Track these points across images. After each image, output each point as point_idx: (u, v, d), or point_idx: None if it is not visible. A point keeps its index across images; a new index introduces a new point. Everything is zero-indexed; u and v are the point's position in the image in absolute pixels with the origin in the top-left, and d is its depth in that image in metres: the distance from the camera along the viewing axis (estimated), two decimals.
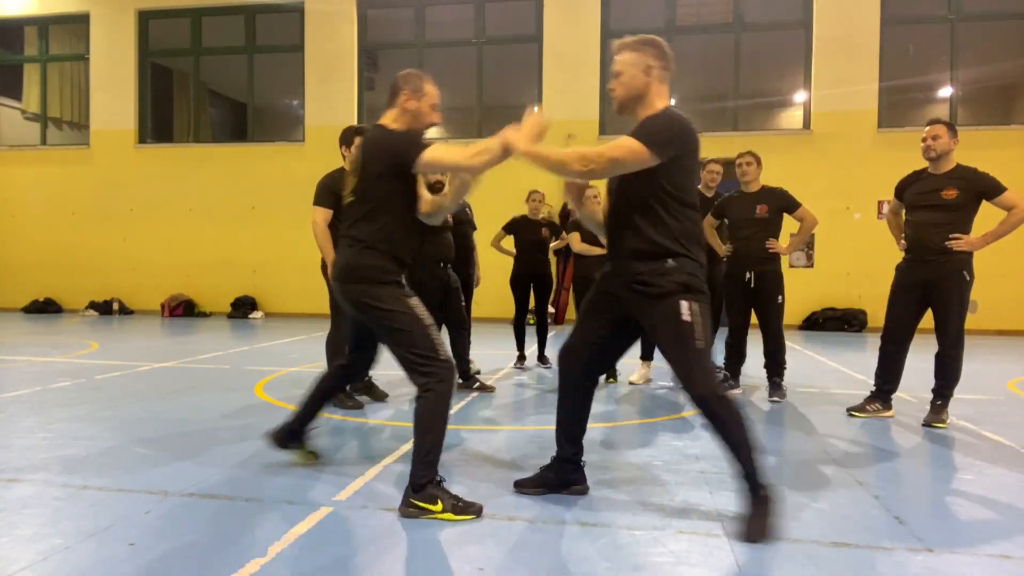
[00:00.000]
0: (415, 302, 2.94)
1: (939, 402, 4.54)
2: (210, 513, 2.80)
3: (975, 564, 2.42)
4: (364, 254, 2.95)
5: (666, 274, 2.66)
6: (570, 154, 2.65)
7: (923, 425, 4.47)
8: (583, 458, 3.08)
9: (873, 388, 4.83)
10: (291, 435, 3.39)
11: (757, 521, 2.61)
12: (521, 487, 3.06)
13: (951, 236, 4.36)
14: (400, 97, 3.02)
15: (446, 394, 2.82)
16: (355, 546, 2.52)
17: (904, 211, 4.71)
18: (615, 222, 2.82)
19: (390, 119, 3.04)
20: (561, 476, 3.04)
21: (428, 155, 2.84)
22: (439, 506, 2.72)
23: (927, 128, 4.49)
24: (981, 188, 4.37)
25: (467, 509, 2.75)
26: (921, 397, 5.04)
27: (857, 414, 4.75)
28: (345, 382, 3.31)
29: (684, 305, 2.64)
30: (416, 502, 2.74)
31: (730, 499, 3.03)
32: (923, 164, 4.61)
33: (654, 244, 2.68)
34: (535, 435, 4.13)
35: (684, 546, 2.55)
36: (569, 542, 2.57)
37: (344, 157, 4.88)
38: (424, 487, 2.75)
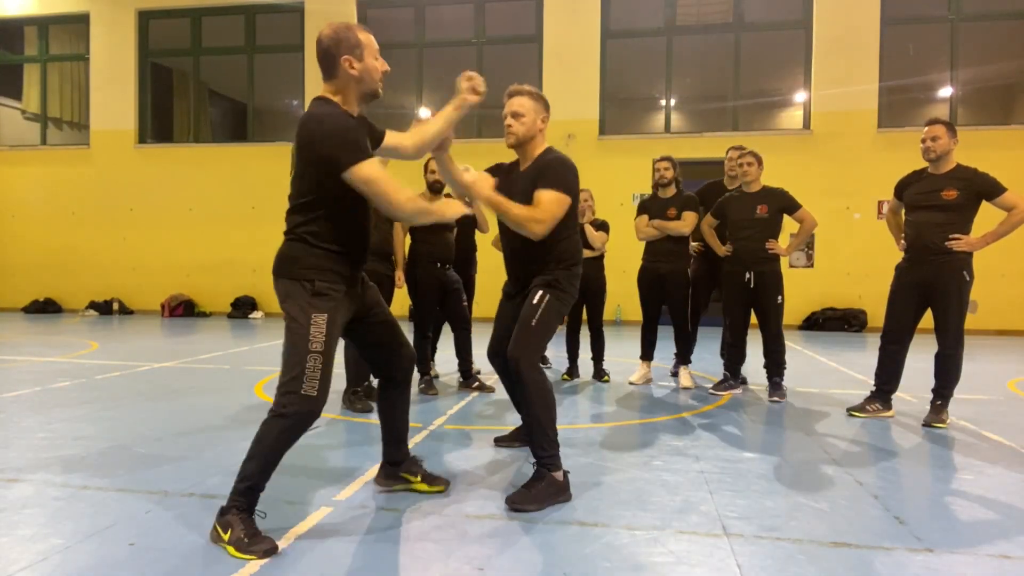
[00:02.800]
0: (321, 319, 2.54)
1: (939, 402, 4.54)
2: (210, 513, 2.79)
3: (975, 564, 2.42)
4: (294, 246, 2.66)
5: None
6: (525, 216, 3.06)
7: (923, 425, 4.47)
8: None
9: (873, 388, 4.83)
10: (394, 468, 3.09)
11: (533, 484, 2.94)
12: (499, 442, 3.77)
13: (951, 236, 4.36)
14: (341, 64, 2.58)
15: (285, 429, 2.50)
16: (355, 546, 2.52)
17: (904, 211, 4.71)
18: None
19: (331, 91, 2.64)
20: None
21: (362, 172, 2.47)
22: (226, 536, 2.43)
23: (926, 129, 4.48)
24: (981, 189, 4.37)
25: (251, 546, 2.40)
26: (921, 397, 5.04)
27: (857, 414, 4.75)
28: (401, 390, 3.00)
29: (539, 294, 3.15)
30: (214, 531, 2.49)
31: (730, 499, 3.03)
32: (923, 164, 4.61)
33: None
34: None
35: (684, 546, 2.55)
36: (569, 542, 2.57)
37: None
38: (224, 514, 2.49)
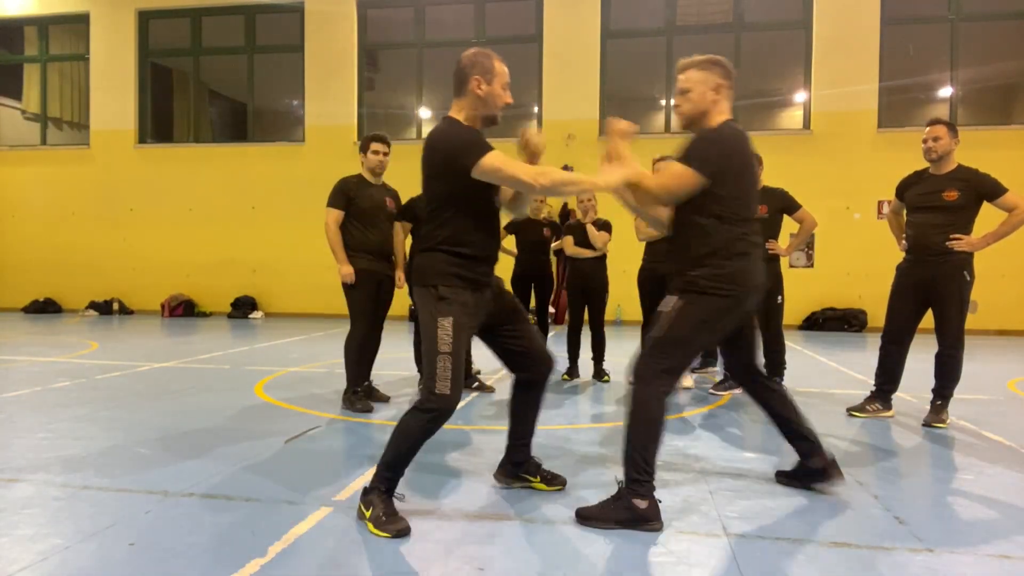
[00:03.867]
0: (446, 322, 2.65)
1: (939, 402, 4.54)
2: (210, 513, 2.80)
3: (975, 564, 2.42)
4: (421, 257, 2.79)
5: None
6: (650, 184, 2.78)
7: (923, 425, 4.47)
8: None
9: (873, 388, 4.83)
10: (514, 468, 3.14)
11: (601, 505, 2.75)
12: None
13: (952, 237, 4.36)
14: (470, 83, 2.75)
15: (424, 422, 2.65)
16: (355, 546, 2.52)
17: (905, 211, 4.71)
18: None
19: (456, 110, 2.81)
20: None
21: (488, 161, 2.61)
22: (368, 513, 2.65)
23: (927, 129, 4.47)
24: (982, 189, 4.36)
25: (387, 524, 2.60)
26: (921, 397, 5.04)
27: (857, 414, 4.75)
28: (538, 392, 3.04)
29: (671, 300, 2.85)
30: (360, 503, 2.73)
31: (730, 499, 3.03)
32: (924, 164, 4.61)
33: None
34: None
35: (684, 546, 2.54)
36: (569, 542, 2.57)
37: (362, 163, 4.93)
38: (367, 494, 2.71)
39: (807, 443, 3.13)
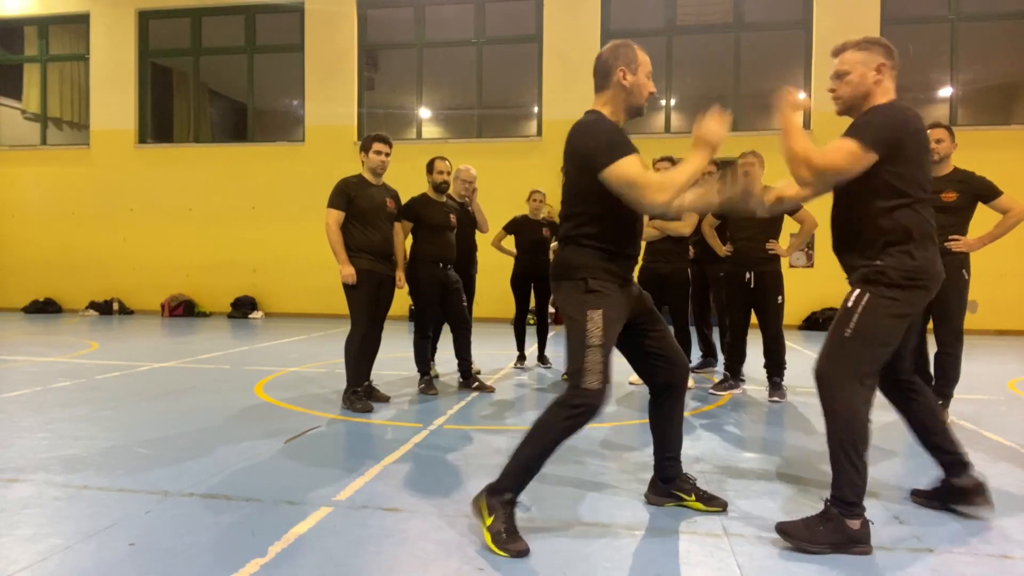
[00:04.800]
0: (596, 315, 2.55)
1: (940, 401, 4.54)
2: (210, 513, 2.80)
3: (975, 564, 2.42)
4: (567, 250, 2.71)
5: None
6: (799, 152, 2.61)
7: None
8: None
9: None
10: (665, 485, 2.97)
11: (806, 523, 2.54)
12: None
13: (951, 237, 4.42)
14: (615, 74, 2.70)
15: (569, 418, 2.51)
16: (355, 546, 2.52)
17: None
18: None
19: (601, 103, 2.76)
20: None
21: (618, 172, 2.49)
22: (488, 521, 2.52)
23: (928, 132, 4.50)
24: (979, 191, 4.46)
25: (507, 544, 2.46)
26: None
27: None
28: (677, 398, 2.87)
29: (855, 294, 2.64)
30: (480, 504, 2.58)
31: (730, 499, 3.03)
32: None
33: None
34: None
35: (684, 546, 2.54)
36: (569, 542, 2.57)
37: (363, 163, 4.93)
38: (494, 494, 2.55)
39: (950, 456, 2.88)
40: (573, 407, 2.51)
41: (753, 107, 12.60)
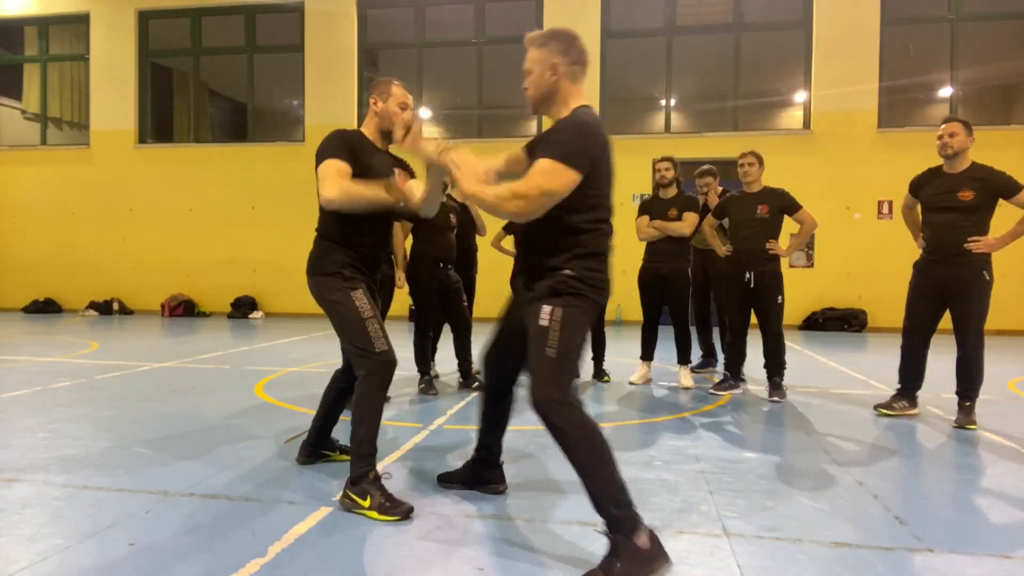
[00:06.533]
0: (357, 294, 2.94)
1: (967, 403, 4.50)
2: (210, 513, 2.80)
3: (975, 564, 2.42)
4: (317, 247, 3.06)
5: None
6: (503, 193, 2.36)
7: (955, 427, 4.43)
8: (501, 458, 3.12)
9: (899, 387, 4.82)
10: (312, 449, 3.50)
11: (609, 565, 2.22)
12: (441, 481, 3.17)
13: (970, 239, 4.35)
14: (369, 101, 3.14)
15: (375, 387, 2.89)
16: (355, 546, 2.52)
17: (920, 209, 4.69)
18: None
19: (364, 124, 3.18)
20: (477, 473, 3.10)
21: (322, 168, 2.91)
22: (367, 502, 2.75)
23: (943, 126, 4.45)
24: (998, 188, 4.35)
25: (393, 509, 2.73)
26: (924, 397, 5.04)
27: (885, 411, 4.76)
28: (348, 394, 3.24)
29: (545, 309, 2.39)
30: (350, 494, 2.82)
31: (730, 499, 3.03)
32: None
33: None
34: (534, 435, 4.12)
35: (684, 546, 2.54)
36: (569, 542, 2.57)
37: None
38: (358, 480, 2.81)
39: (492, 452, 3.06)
40: (372, 373, 2.89)
41: (753, 107, 12.61)
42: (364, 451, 2.86)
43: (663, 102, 12.24)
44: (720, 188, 6.40)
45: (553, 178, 2.31)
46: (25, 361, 6.94)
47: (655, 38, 11.94)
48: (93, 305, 13.12)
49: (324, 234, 3.08)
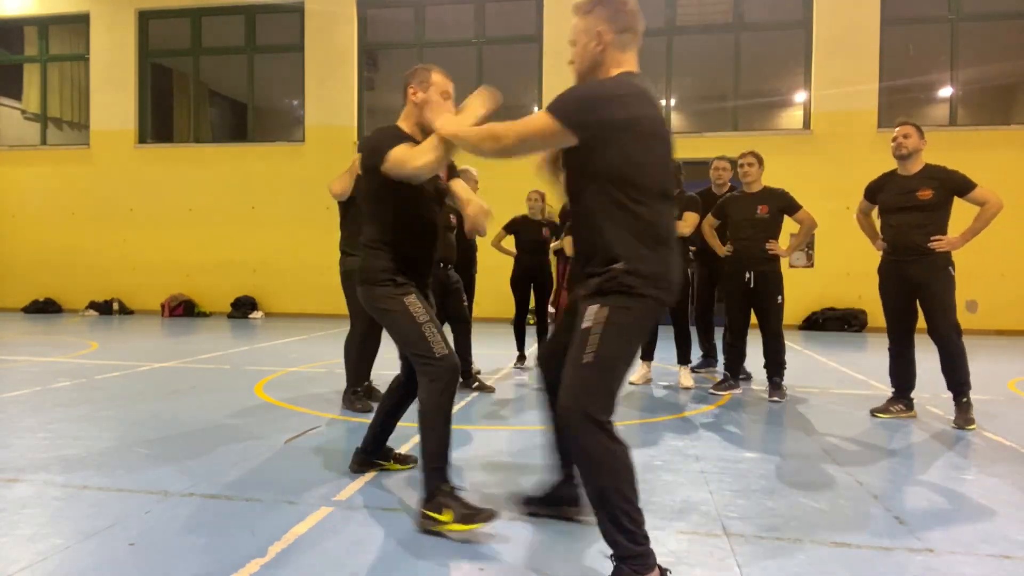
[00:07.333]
0: (411, 299, 2.87)
1: (963, 400, 4.50)
2: (210, 513, 2.80)
3: (975, 564, 2.42)
4: (367, 256, 2.96)
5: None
6: (481, 132, 2.35)
7: (954, 427, 4.43)
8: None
9: (893, 390, 4.83)
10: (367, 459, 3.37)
11: None
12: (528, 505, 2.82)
13: (933, 238, 4.46)
14: (407, 91, 2.95)
15: (439, 393, 2.71)
16: (355, 546, 2.52)
17: (880, 213, 4.80)
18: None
19: (401, 118, 3.00)
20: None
21: (391, 156, 2.73)
22: (447, 516, 2.57)
23: (897, 128, 4.66)
24: (954, 186, 4.48)
25: (476, 517, 2.57)
26: (922, 397, 5.04)
27: (880, 415, 4.76)
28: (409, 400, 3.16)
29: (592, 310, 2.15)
30: (427, 512, 2.63)
31: (730, 499, 3.03)
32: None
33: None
34: (535, 435, 4.13)
35: (684, 546, 2.54)
36: (569, 542, 2.57)
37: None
38: (433, 496, 2.64)
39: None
40: (434, 379, 2.73)
41: (753, 107, 12.60)
42: (435, 464, 2.66)
43: (663, 102, 12.24)
44: (729, 184, 6.32)
45: (531, 123, 2.16)
46: (25, 361, 6.94)
47: (655, 38, 11.93)
48: (93, 305, 13.12)
49: (371, 243, 2.96)
